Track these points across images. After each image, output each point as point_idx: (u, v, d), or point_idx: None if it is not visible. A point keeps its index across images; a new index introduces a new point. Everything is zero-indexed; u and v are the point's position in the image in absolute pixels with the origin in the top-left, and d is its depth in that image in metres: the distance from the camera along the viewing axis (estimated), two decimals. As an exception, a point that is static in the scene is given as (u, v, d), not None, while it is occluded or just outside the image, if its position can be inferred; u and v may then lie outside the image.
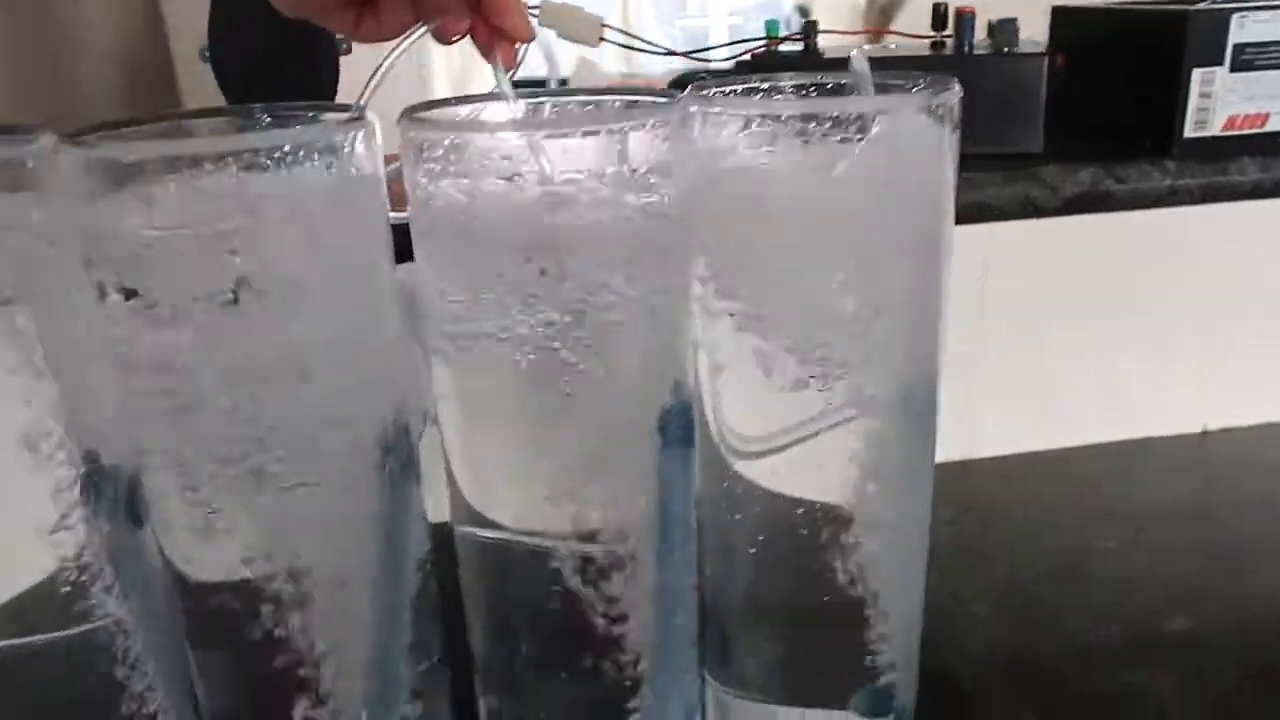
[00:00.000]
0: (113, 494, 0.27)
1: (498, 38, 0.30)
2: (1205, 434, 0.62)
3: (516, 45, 0.31)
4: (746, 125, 0.27)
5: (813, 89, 0.31)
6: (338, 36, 0.53)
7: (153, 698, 0.29)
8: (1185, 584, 0.47)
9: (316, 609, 0.28)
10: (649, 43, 0.57)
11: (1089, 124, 0.57)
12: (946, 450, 0.33)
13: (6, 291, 0.24)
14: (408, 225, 0.28)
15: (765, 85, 0.31)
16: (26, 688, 0.27)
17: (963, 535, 0.51)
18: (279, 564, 0.28)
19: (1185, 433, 0.62)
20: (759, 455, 0.31)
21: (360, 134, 0.26)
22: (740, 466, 0.32)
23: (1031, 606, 0.46)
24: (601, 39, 0.40)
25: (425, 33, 0.31)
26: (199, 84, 0.63)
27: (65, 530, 0.26)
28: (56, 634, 0.27)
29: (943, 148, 0.29)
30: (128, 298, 0.25)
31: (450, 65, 0.80)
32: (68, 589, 0.27)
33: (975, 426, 0.57)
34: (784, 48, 0.60)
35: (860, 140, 0.27)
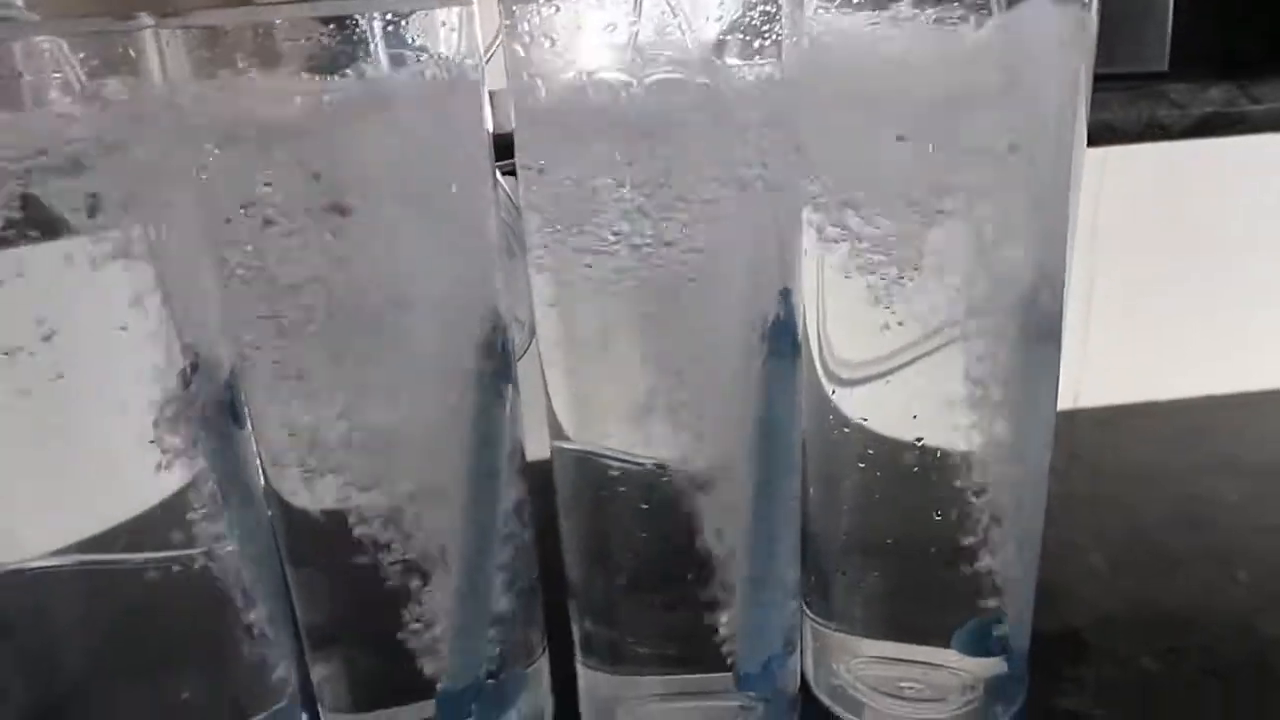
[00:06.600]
0: (215, 392, 0.27)
1: None
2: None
3: None
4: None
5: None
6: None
7: (253, 608, 0.29)
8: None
9: (409, 522, 0.28)
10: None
11: (1218, 40, 0.53)
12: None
13: (112, 188, 0.24)
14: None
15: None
16: (130, 600, 0.27)
17: (1073, 484, 0.49)
18: (373, 476, 0.27)
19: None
20: (865, 380, 0.29)
21: (459, 18, 0.25)
22: (847, 385, 0.30)
23: (1152, 555, 0.44)
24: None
25: None
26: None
27: (168, 430, 0.26)
28: (158, 549, 0.27)
29: (1073, 32, 0.26)
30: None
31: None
32: (170, 498, 0.27)
33: (1081, 372, 0.54)
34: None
35: (983, 18, 0.25)
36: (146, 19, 0.24)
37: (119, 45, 0.24)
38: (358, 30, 0.24)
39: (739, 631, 0.30)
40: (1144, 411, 0.56)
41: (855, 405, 0.30)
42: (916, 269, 0.27)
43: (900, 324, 0.28)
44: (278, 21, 0.23)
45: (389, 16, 0.24)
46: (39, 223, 0.23)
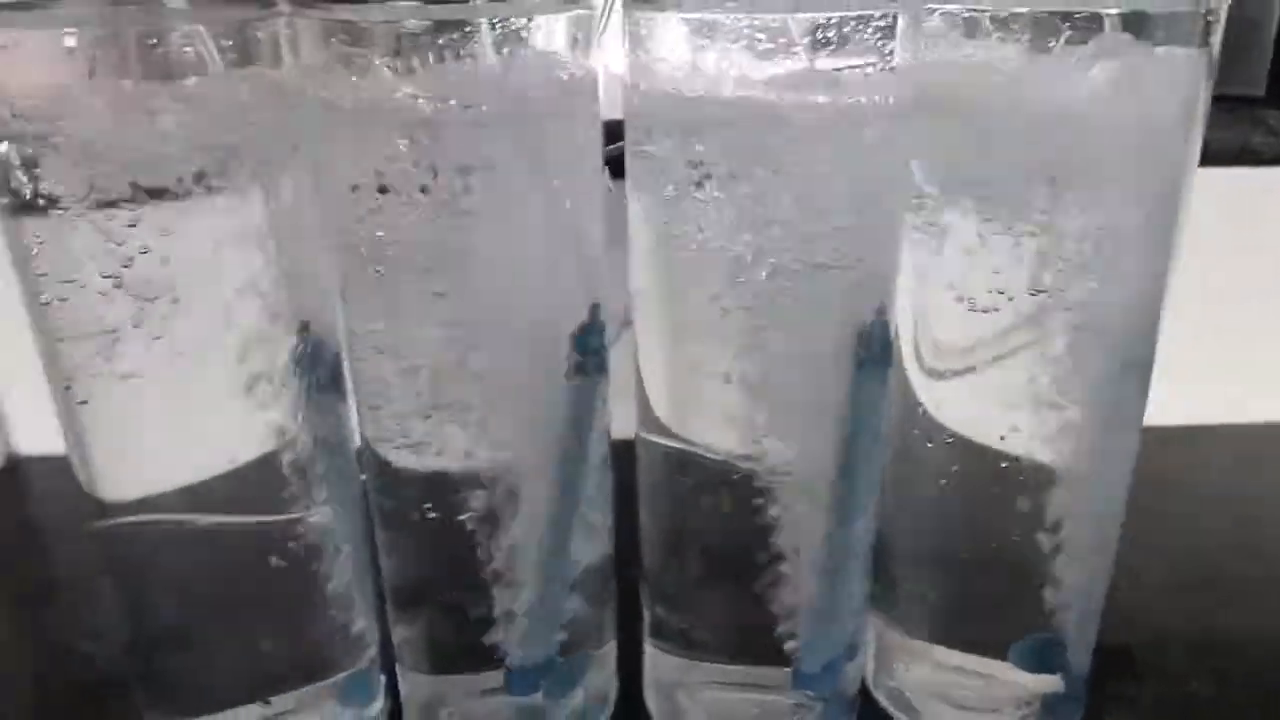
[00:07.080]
0: (322, 361, 0.28)
1: None
2: None
3: None
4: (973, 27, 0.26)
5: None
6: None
7: (342, 571, 0.30)
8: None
9: (500, 496, 0.28)
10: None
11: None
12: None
13: (232, 165, 0.25)
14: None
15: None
16: (226, 558, 0.29)
17: (1136, 501, 0.49)
18: (469, 451, 0.28)
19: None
20: (958, 374, 0.30)
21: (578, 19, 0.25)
22: (936, 392, 0.30)
23: (1211, 578, 0.44)
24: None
25: None
26: None
27: (277, 394, 0.27)
28: (257, 510, 0.28)
29: (1192, 73, 0.26)
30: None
31: None
32: (273, 461, 0.28)
33: (1151, 390, 0.54)
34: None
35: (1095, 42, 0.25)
36: (284, 6, 0.25)
37: (255, 30, 0.25)
38: (480, 28, 0.24)
39: (804, 632, 0.31)
40: (1208, 434, 0.55)
41: (943, 416, 0.30)
42: (1016, 280, 0.28)
43: (996, 336, 0.28)
44: (409, 22, 0.24)
45: (511, 17, 0.25)
46: (177, 189, 0.24)
